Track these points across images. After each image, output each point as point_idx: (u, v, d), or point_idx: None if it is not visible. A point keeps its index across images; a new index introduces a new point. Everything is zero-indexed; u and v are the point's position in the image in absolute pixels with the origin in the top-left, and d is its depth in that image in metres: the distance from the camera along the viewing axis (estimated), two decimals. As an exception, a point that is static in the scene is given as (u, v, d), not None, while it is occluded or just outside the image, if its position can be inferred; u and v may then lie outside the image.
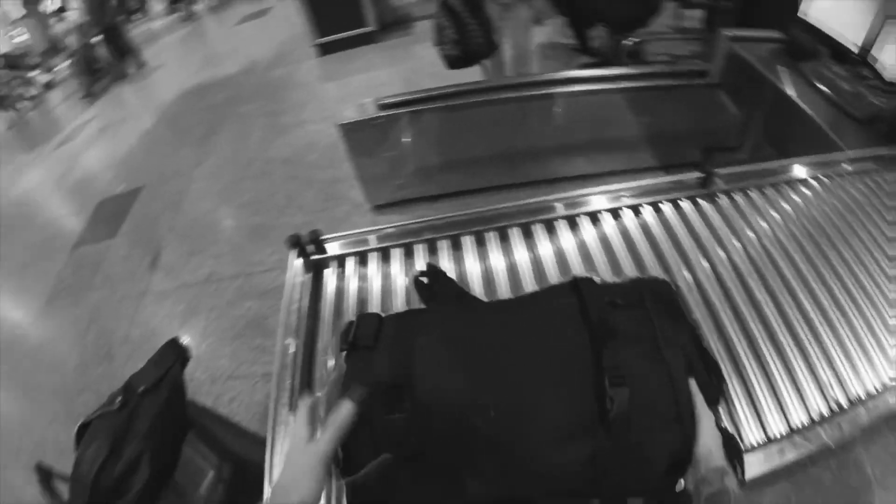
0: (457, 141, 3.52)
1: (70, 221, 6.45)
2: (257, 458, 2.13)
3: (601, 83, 3.26)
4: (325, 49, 6.27)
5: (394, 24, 6.20)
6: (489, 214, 1.60)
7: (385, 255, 1.60)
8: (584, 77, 3.29)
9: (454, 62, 3.50)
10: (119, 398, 1.91)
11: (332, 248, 1.67)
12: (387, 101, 3.35)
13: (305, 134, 5.00)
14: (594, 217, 1.60)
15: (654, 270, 1.41)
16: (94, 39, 9.51)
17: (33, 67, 13.89)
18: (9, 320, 5.69)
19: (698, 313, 1.32)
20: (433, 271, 1.27)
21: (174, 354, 2.07)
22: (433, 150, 3.60)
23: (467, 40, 3.32)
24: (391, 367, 0.89)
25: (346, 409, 0.82)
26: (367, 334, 0.96)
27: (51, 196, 7.80)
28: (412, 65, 5.32)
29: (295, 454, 0.82)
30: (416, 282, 1.28)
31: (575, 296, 0.98)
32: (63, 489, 1.87)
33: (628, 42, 4.26)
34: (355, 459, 0.83)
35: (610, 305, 0.95)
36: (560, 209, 1.60)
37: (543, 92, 3.20)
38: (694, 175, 1.63)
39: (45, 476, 1.85)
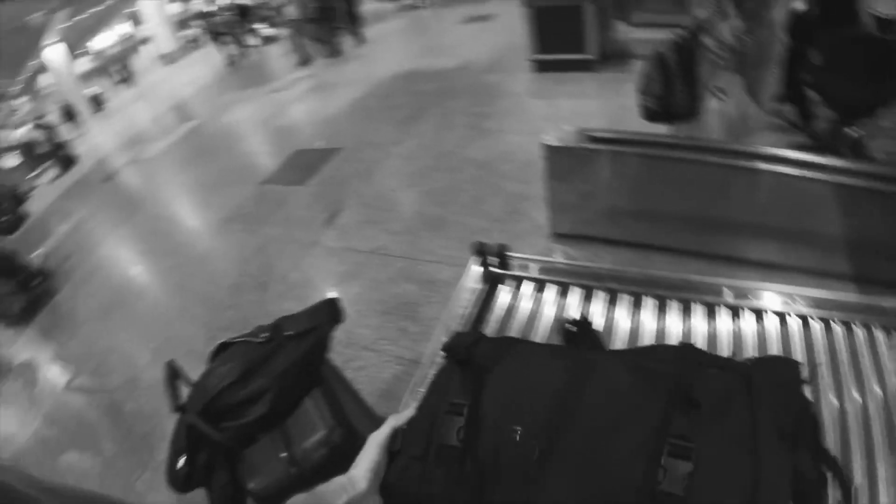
0: (651, 191, 3.36)
1: (265, 159, 7.10)
2: (366, 433, 2.16)
3: (812, 170, 2.94)
4: (541, 66, 6.34)
5: (612, 57, 6.11)
6: (671, 280, 1.48)
7: (564, 289, 1.54)
8: (795, 160, 2.99)
9: (651, 115, 3.38)
10: (265, 334, 2.04)
11: (513, 266, 1.63)
12: (595, 133, 3.27)
13: (504, 143, 5.07)
14: (759, 314, 1.41)
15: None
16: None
17: (263, 20, 15.59)
18: (187, 225, 6.39)
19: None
20: (584, 325, 1.20)
21: (330, 313, 2.15)
22: (626, 194, 3.47)
23: (670, 98, 3.22)
24: (461, 385, 0.91)
25: (406, 414, 0.97)
26: (460, 347, 0.99)
27: (253, 133, 8.66)
28: (622, 102, 5.19)
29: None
30: (564, 328, 1.21)
31: (676, 359, 0.90)
32: (183, 392, 2.03)
33: (852, 131, 3.80)
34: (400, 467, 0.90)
35: (706, 373, 0.85)
36: (727, 295, 1.44)
37: (748, 164, 2.97)
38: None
39: (173, 374, 2.00)
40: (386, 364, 3.24)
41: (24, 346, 5.75)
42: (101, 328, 5.13)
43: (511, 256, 1.60)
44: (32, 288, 6.45)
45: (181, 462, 1.88)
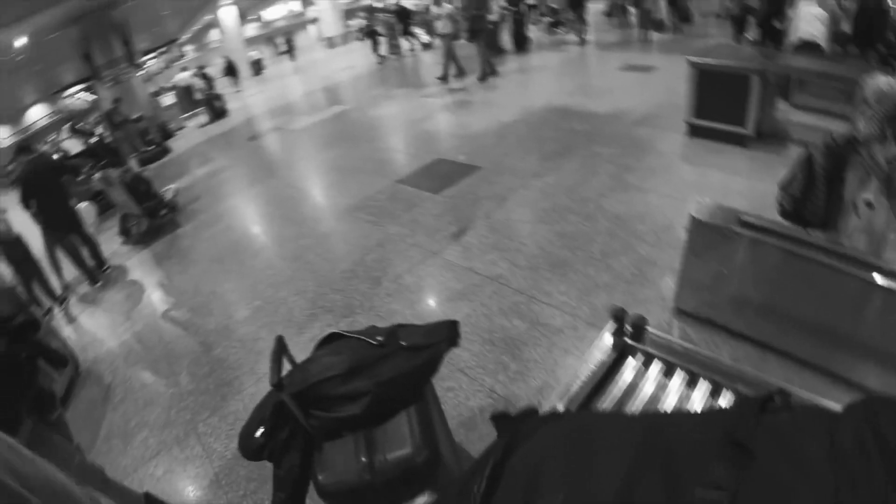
0: (786, 290, 3.09)
1: (404, 159, 7.28)
2: (448, 460, 2.08)
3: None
4: (694, 130, 6.11)
5: (768, 136, 5.77)
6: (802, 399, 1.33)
7: (692, 379, 1.42)
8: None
9: (784, 214, 3.14)
10: (380, 337, 1.99)
11: (646, 340, 1.56)
12: (746, 217, 3.08)
13: (644, 201, 4.89)
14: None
15: None
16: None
17: (422, 25, 16.35)
18: (317, 201, 6.62)
19: None
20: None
21: (448, 335, 2.09)
22: (760, 287, 3.22)
23: (807, 202, 3.00)
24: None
25: None
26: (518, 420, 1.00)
27: (398, 131, 8.96)
28: (770, 188, 4.86)
29: None
30: None
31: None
32: (284, 368, 2.05)
33: None
34: None
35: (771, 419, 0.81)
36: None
37: (890, 285, 2.65)
38: None
39: (281, 348, 1.97)
40: (476, 393, 3.15)
41: (136, 265, 6.14)
42: (211, 272, 5.39)
43: (646, 330, 1.53)
44: (159, 217, 6.90)
45: (260, 432, 1.88)
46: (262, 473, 2.90)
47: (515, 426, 0.97)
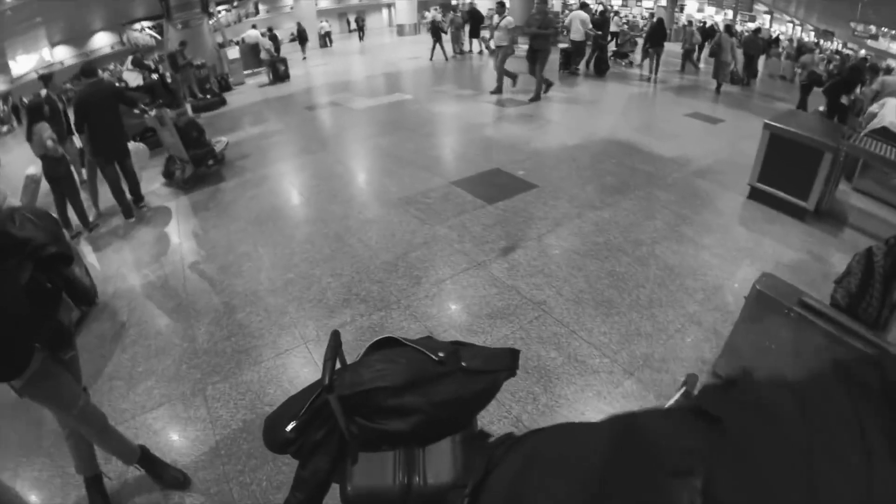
0: None
1: (460, 160, 7.16)
2: None
3: None
4: (755, 194, 5.89)
5: (826, 215, 5.55)
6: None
7: None
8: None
9: (836, 306, 2.96)
10: (441, 354, 1.82)
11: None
12: (807, 299, 2.88)
13: (697, 257, 4.67)
14: None
15: None
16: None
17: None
18: (367, 185, 6.47)
19: None
20: None
21: (510, 364, 1.92)
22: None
23: (861, 300, 2.93)
24: None
25: None
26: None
27: (458, 131, 8.81)
28: (824, 269, 4.67)
29: None
30: None
31: None
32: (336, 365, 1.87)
33: None
34: None
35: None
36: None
37: None
38: None
39: (336, 343, 1.81)
40: (503, 419, 2.97)
41: (173, 209, 6.06)
42: (248, 233, 5.27)
43: None
44: (205, 166, 6.82)
45: (291, 426, 1.73)
46: (265, 454, 2.74)
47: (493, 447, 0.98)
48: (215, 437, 2.88)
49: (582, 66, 13.74)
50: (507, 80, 11.00)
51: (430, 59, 16.04)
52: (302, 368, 3.39)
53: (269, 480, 2.61)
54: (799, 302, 2.89)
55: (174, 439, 2.90)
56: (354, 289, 4.21)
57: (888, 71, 11.14)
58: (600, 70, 13.60)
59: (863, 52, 23.53)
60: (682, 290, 4.17)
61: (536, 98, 10.48)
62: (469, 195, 5.85)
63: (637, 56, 16.28)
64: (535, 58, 10.34)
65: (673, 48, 14.84)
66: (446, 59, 15.90)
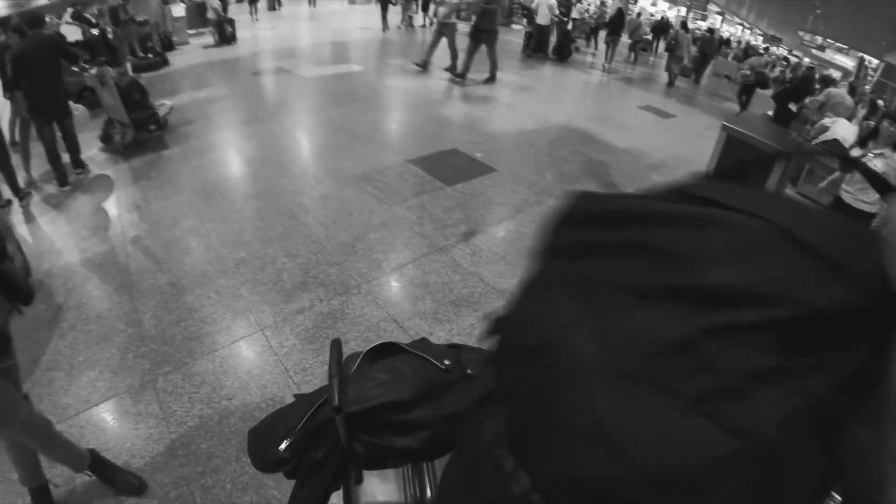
0: None
1: (416, 138, 6.94)
2: None
3: None
4: None
5: None
6: None
7: None
8: None
9: None
10: (447, 361, 1.67)
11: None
12: None
13: None
14: None
15: None
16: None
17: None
18: (321, 159, 6.15)
19: None
20: None
21: None
22: None
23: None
24: None
25: None
26: None
27: (408, 106, 8.55)
28: None
29: None
30: None
31: None
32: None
33: None
34: None
35: None
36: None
37: None
38: None
39: (339, 354, 1.63)
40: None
41: (112, 177, 5.62)
42: (194, 206, 4.94)
43: None
44: (147, 130, 6.35)
45: (285, 444, 1.55)
46: (227, 452, 2.56)
47: None
48: (170, 435, 2.65)
49: (547, 50, 13.70)
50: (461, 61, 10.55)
51: (383, 29, 15.64)
52: (260, 357, 3.18)
53: (233, 482, 2.42)
54: None
55: (125, 438, 2.64)
56: (312, 271, 3.99)
57: (833, 83, 11.60)
58: (562, 56, 13.56)
59: (807, 60, 24.48)
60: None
61: (491, 80, 10.18)
62: (427, 175, 5.67)
63: (583, 42, 16.37)
64: (479, 37, 9.79)
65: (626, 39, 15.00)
66: (385, 29, 15.59)
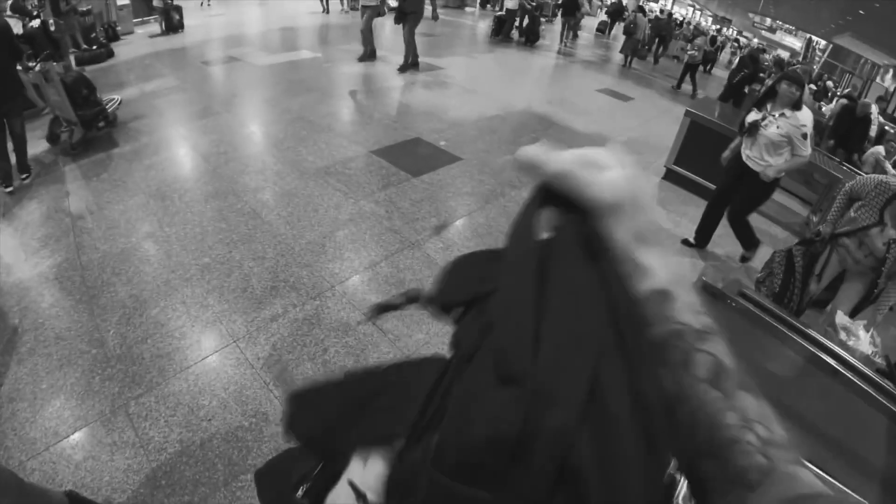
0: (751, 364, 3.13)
1: (378, 127, 6.75)
2: None
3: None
4: (670, 175, 6.11)
5: None
6: None
7: None
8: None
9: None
10: None
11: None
12: (747, 291, 3.04)
13: None
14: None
15: None
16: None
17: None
18: (281, 152, 5.87)
19: None
20: None
21: None
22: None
23: (782, 298, 3.33)
24: None
25: None
26: None
27: (367, 93, 8.31)
28: (737, 248, 4.89)
29: None
30: None
31: None
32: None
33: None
34: None
35: None
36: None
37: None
38: None
39: None
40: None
41: (61, 180, 5.25)
42: (150, 209, 4.65)
43: None
44: (96, 128, 5.96)
45: (303, 490, 1.40)
46: (213, 478, 2.40)
47: None
48: (150, 464, 2.47)
49: (514, 34, 13.64)
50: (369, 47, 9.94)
51: (324, 11, 15.42)
52: (236, 371, 3.00)
53: (221, 512, 2.27)
54: (739, 293, 2.99)
55: (102, 471, 2.44)
56: (281, 274, 3.81)
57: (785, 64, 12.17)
58: (530, 40, 13.54)
59: (755, 40, 24.92)
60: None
61: (404, 69, 9.55)
62: (392, 166, 5.49)
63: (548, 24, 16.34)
64: (405, 20, 9.26)
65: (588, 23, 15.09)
66: (325, 11, 15.40)
